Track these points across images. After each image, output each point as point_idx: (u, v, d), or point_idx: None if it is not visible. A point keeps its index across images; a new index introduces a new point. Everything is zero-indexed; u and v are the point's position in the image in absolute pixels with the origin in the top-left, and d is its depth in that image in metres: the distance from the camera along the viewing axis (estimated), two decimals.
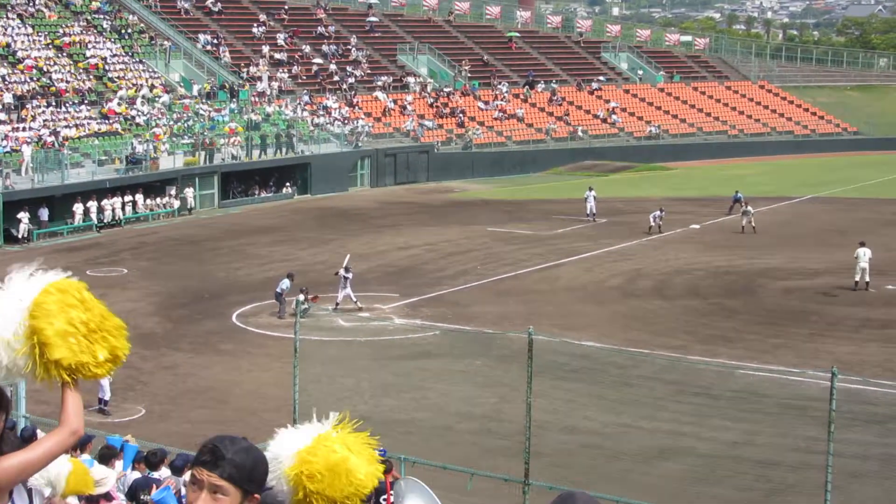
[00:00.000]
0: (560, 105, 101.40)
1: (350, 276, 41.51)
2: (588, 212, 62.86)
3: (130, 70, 78.49)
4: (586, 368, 34.53)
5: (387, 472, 20.26)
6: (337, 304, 41.21)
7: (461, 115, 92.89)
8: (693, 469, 26.70)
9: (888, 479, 25.71)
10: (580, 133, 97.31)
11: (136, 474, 16.95)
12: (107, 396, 30.40)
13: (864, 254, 45.31)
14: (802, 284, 46.50)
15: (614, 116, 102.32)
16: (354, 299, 41.43)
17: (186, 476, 15.06)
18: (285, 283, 40.89)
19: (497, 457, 26.08)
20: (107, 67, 76.95)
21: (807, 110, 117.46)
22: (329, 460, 5.38)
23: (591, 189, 64.19)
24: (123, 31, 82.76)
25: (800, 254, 52.41)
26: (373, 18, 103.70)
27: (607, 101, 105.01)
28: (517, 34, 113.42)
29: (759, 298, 44.68)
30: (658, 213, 58.89)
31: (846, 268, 48.54)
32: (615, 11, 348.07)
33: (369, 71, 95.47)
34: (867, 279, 45.14)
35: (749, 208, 60.01)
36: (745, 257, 52.57)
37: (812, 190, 77.21)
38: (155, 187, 65.17)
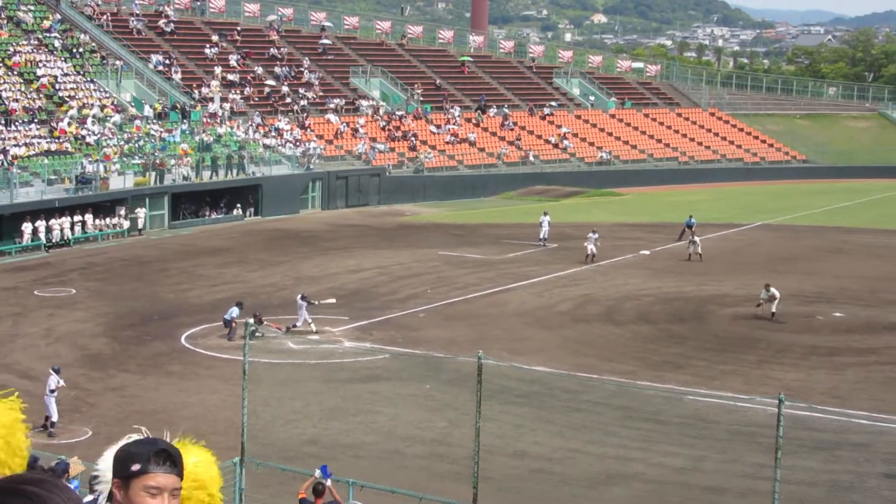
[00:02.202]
0: (512, 130, 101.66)
1: (310, 303, 41.54)
2: (541, 236, 62.97)
3: (81, 89, 77.99)
4: (535, 393, 34.57)
5: (318, 495, 20.24)
6: (295, 325, 41.13)
7: (413, 138, 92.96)
8: (641, 495, 26.74)
9: None
10: (531, 158, 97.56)
11: None
12: (54, 417, 30.15)
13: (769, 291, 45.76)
14: (749, 311, 46.65)
15: (566, 142, 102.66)
16: (310, 321, 41.39)
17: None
18: (234, 311, 40.71)
19: (446, 481, 26.06)
20: (57, 86, 76.42)
21: (756, 138, 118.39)
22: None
23: (545, 214, 64.29)
24: (75, 51, 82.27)
25: (749, 280, 52.61)
26: (326, 41, 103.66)
27: (559, 127, 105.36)
28: (470, 58, 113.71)
29: (708, 325, 44.88)
30: (592, 235, 58.75)
31: (794, 294, 49.03)
32: (567, 37, 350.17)
33: (322, 93, 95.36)
34: (773, 310, 45.48)
35: (696, 238, 60.29)
36: (695, 283, 52.82)
37: (761, 217, 77.70)
38: (105, 207, 64.66)
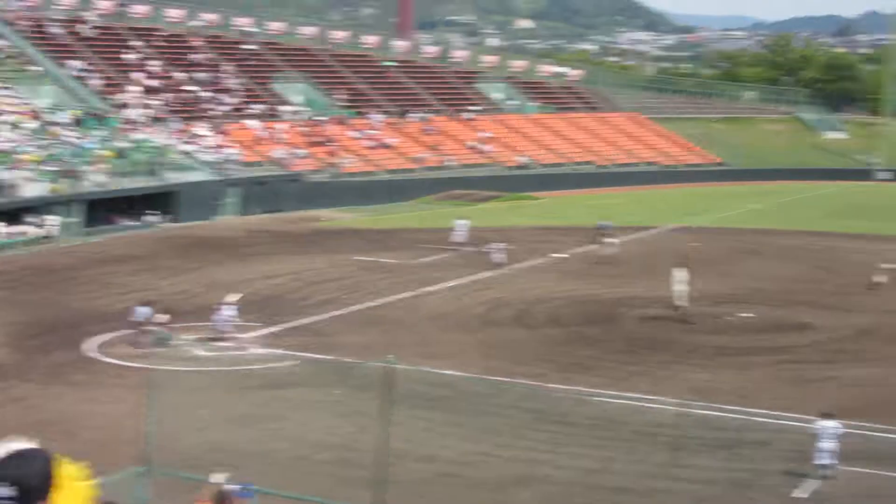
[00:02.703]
0: (432, 135, 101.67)
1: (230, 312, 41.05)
2: (456, 240, 62.96)
3: None
4: (446, 397, 34.50)
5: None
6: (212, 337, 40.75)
7: (332, 144, 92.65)
8: (549, 497, 26.74)
9: (731, 502, 26.02)
10: (450, 163, 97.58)
11: None
12: None
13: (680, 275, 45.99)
14: (662, 313, 46.84)
15: (486, 146, 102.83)
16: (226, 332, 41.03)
17: None
18: (144, 311, 40.19)
19: (354, 487, 25.86)
20: None
21: (676, 142, 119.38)
22: None
23: (462, 219, 64.22)
24: None
25: (661, 282, 52.88)
26: (248, 46, 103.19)
27: (480, 131, 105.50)
28: (393, 63, 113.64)
29: (619, 327, 45.09)
30: (500, 245, 58.45)
31: (705, 296, 49.37)
32: (492, 42, 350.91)
33: (243, 99, 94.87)
34: (681, 303, 45.78)
35: (614, 240, 60.56)
36: (607, 286, 53.02)
37: (677, 220, 78.23)
38: (17, 215, 63.79)
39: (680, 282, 46.10)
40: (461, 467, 28.63)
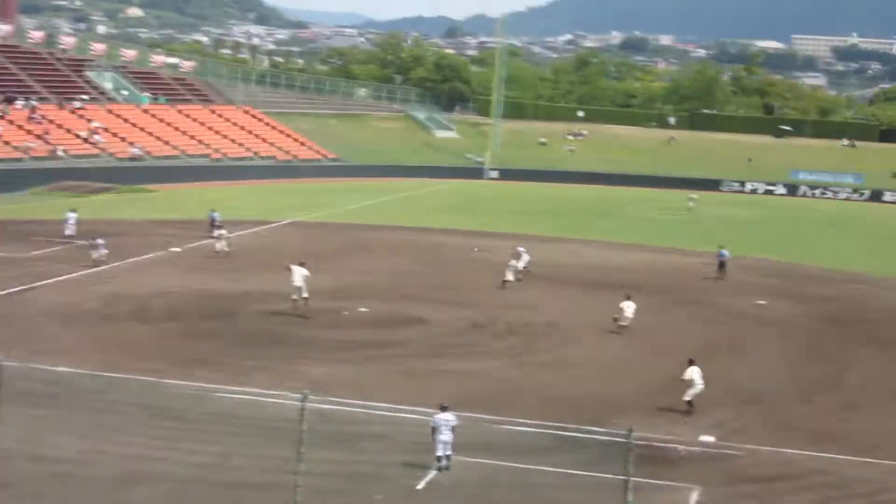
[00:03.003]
0: (40, 123, 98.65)
1: None
2: (67, 233, 61.30)
3: None
4: (59, 394, 33.59)
5: None
6: None
7: None
8: (168, 494, 26.44)
9: (353, 494, 26.49)
10: (60, 153, 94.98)
11: None
12: None
13: (298, 272, 46.57)
14: (281, 307, 47.07)
15: (96, 136, 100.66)
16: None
17: None
18: None
19: None
20: None
21: (290, 136, 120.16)
22: None
23: (73, 211, 62.70)
24: None
25: (277, 277, 53.18)
26: None
27: (90, 121, 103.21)
28: None
29: (238, 321, 45.00)
30: (99, 241, 56.24)
31: (321, 292, 49.97)
32: (101, 30, 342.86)
33: None
34: (305, 295, 46.27)
35: (223, 231, 60.51)
36: (226, 280, 52.93)
37: (293, 214, 78.85)
38: None
39: (298, 279, 46.39)
40: (76, 466, 27.97)
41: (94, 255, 54.88)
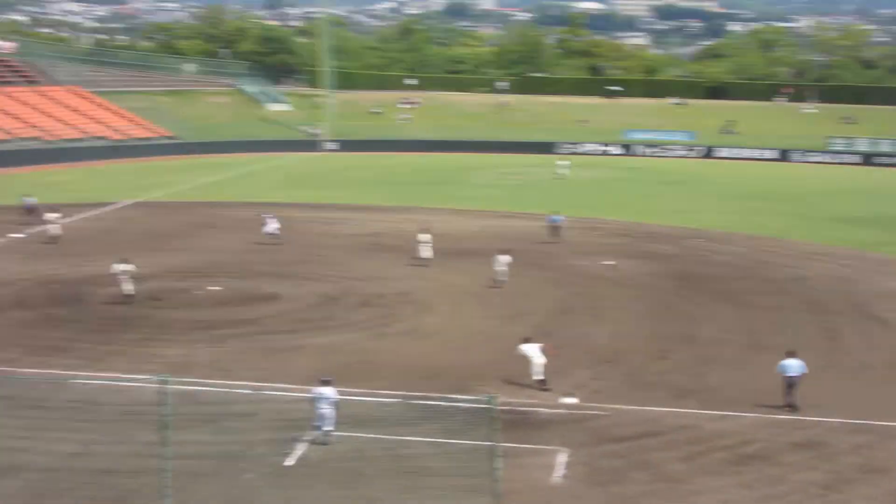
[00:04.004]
0: None
1: None
2: None
3: None
4: None
5: None
6: None
7: None
8: (32, 485, 26.18)
9: (224, 475, 26.49)
10: None
11: None
12: None
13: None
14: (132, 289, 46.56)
15: None
16: None
17: None
18: None
19: None
20: None
21: (121, 115, 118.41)
22: None
23: None
24: None
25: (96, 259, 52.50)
26: None
27: None
28: None
29: (88, 306, 44.38)
30: None
31: (170, 271, 49.67)
32: None
33: None
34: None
35: (58, 215, 59.27)
36: (70, 265, 52.09)
37: (132, 195, 77.85)
38: None
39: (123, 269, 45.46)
40: None
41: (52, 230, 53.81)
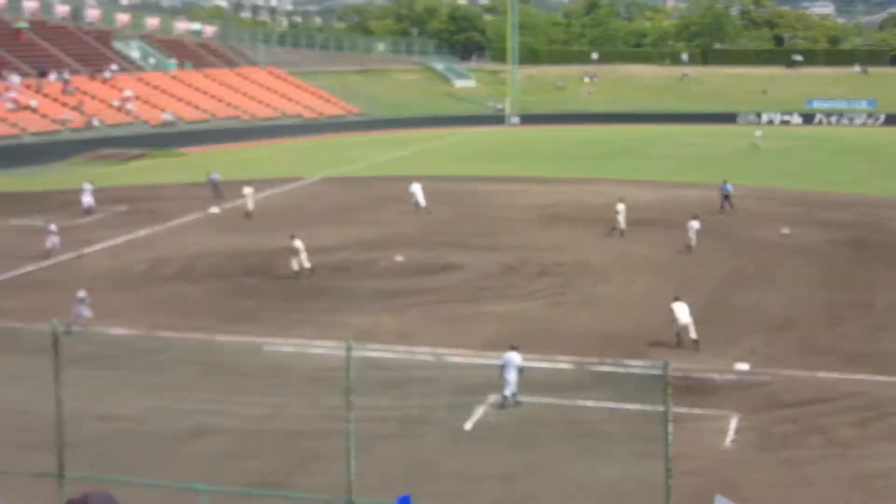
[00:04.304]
0: (74, 95, 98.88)
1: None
2: (85, 205, 60.19)
3: None
4: (117, 356, 34.02)
5: None
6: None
7: None
8: (226, 445, 26.85)
9: (406, 437, 26.83)
10: (95, 122, 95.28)
11: None
12: None
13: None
14: (319, 261, 47.02)
15: (129, 105, 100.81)
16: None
17: None
18: None
19: (36, 450, 25.22)
20: None
21: (315, 94, 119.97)
22: None
23: (89, 182, 62.05)
24: None
25: (315, 231, 53.43)
26: None
27: (121, 90, 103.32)
28: (25, 24, 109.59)
29: (279, 277, 45.15)
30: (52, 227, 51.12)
31: (357, 242, 50.32)
32: (124, 1, 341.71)
33: None
34: (307, 265, 45.25)
35: (251, 189, 59.92)
36: (264, 237, 52.94)
37: (324, 170, 78.86)
38: None
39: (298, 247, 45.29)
40: (138, 423, 28.39)
41: (48, 243, 49.45)
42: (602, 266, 46.13)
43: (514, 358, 28.44)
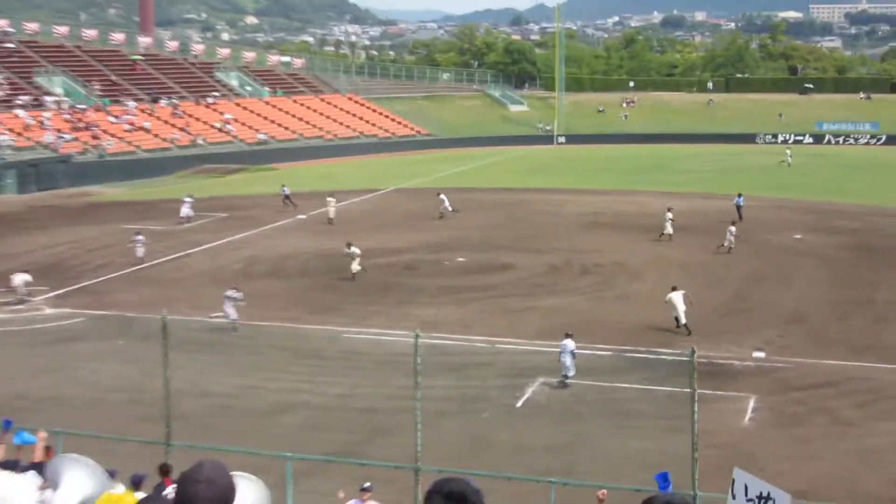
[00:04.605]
0: (182, 118, 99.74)
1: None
2: (183, 214, 59.73)
3: None
4: (216, 341, 34.27)
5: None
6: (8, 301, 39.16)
7: (95, 128, 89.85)
8: (309, 419, 26.99)
9: (465, 414, 26.81)
10: (200, 141, 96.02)
11: None
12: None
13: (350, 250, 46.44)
14: (390, 261, 47.35)
15: (229, 126, 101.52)
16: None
17: None
18: None
19: (147, 422, 25.43)
20: None
21: (388, 117, 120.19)
22: None
23: (189, 196, 61.90)
24: None
25: (388, 235, 53.53)
26: (9, 45, 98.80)
27: (222, 114, 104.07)
28: (140, 57, 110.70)
29: (357, 274, 44.84)
30: (138, 237, 49.22)
31: (428, 245, 50.29)
32: (224, 37, 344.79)
33: (9, 92, 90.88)
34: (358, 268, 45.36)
35: (331, 199, 59.93)
36: (342, 241, 52.94)
37: (395, 182, 79.00)
38: None
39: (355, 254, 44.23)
40: (234, 399, 28.63)
41: (139, 252, 47.68)
42: (637, 267, 45.80)
43: (569, 344, 28.53)
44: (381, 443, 24.76)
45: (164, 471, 15.62)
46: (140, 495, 16.40)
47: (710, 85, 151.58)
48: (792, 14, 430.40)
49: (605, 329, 34.98)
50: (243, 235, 55.38)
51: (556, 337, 30.56)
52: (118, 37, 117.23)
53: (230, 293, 36.33)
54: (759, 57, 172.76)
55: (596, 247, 50.84)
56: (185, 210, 60.11)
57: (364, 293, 41.46)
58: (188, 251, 50.60)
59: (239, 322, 35.64)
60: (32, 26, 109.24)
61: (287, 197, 64.87)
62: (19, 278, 39.88)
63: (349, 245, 44.41)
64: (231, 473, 4.96)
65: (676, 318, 33.99)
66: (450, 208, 61.02)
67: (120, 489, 17.70)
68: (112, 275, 45.49)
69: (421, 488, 20.51)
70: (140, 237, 48.47)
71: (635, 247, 50.70)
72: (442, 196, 61.63)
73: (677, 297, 34.10)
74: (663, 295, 36.41)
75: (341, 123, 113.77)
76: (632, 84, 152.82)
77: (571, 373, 28.39)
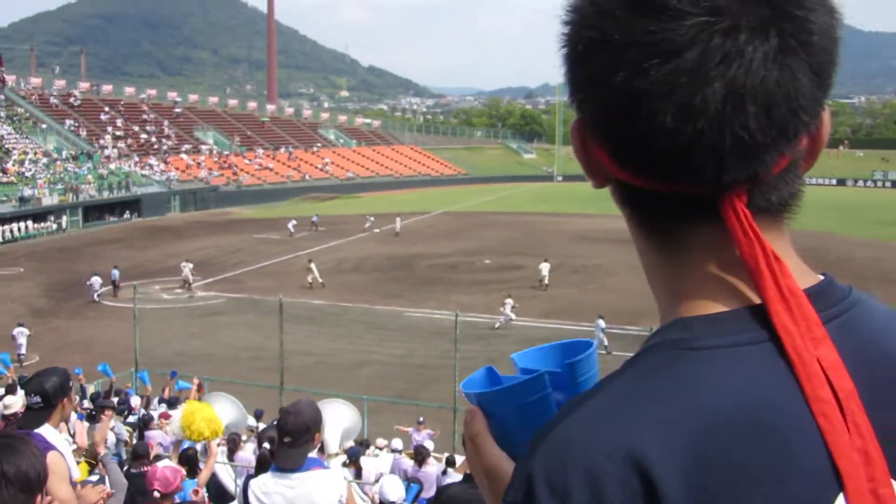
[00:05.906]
0: (294, 161, 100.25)
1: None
2: (290, 231, 57.69)
3: (20, 142, 72.74)
4: (315, 317, 34.17)
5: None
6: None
7: (235, 167, 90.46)
8: (380, 372, 26.87)
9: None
10: (307, 177, 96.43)
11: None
12: (23, 351, 28.12)
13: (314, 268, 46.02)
14: (438, 262, 47.13)
15: (328, 167, 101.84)
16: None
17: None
18: (114, 273, 38.75)
19: (266, 373, 25.47)
20: (3, 142, 71.11)
21: (438, 161, 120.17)
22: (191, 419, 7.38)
23: (317, 215, 61.04)
24: (14, 118, 76.69)
25: (437, 244, 53.33)
26: (178, 109, 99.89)
27: (323, 158, 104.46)
28: (267, 118, 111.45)
29: (414, 271, 45.04)
30: (188, 264, 43.39)
31: (464, 251, 49.97)
32: (325, 104, 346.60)
33: (176, 141, 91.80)
34: (319, 280, 45.28)
35: (397, 219, 59.71)
36: (404, 247, 53.09)
37: (442, 207, 78.85)
38: (40, 216, 60.52)
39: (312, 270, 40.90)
40: (327, 357, 28.54)
41: (185, 274, 40.27)
42: (611, 268, 45.29)
43: (601, 322, 28.07)
44: (430, 390, 24.57)
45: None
46: (262, 425, 16.22)
47: None
48: None
49: (590, 312, 34.49)
50: (335, 243, 55.35)
51: (555, 317, 30.34)
52: (252, 104, 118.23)
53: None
54: None
55: (582, 254, 50.39)
56: (291, 227, 58.42)
57: (420, 284, 41.28)
58: (297, 254, 50.65)
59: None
60: (193, 97, 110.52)
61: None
62: (187, 268, 40.13)
63: (310, 261, 40.94)
64: (317, 406, 4.93)
65: None
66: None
67: (251, 422, 17.52)
68: (245, 269, 45.60)
69: (457, 422, 20.32)
70: (189, 264, 40.82)
71: (611, 254, 50.18)
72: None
73: None
74: (632, 287, 36.05)
75: (405, 166, 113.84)
76: None
77: (605, 342, 27.75)
